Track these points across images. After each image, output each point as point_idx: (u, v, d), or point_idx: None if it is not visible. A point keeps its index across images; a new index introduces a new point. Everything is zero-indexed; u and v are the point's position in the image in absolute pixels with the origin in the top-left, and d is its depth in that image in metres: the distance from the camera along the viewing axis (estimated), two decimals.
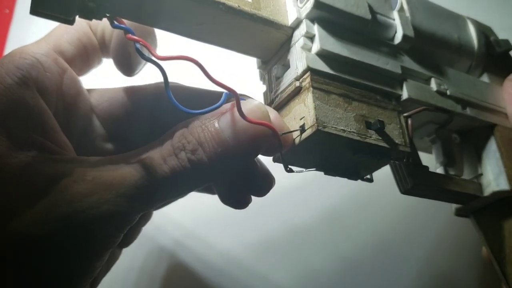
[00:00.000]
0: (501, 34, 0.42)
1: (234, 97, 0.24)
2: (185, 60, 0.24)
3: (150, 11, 0.26)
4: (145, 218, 0.35)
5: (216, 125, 0.25)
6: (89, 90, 0.31)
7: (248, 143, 0.25)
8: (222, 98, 0.25)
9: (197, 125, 0.25)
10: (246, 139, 0.24)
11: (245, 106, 0.25)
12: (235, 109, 0.24)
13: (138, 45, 0.24)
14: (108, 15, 0.24)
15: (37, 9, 0.23)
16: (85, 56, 0.30)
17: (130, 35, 0.24)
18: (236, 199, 0.31)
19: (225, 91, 0.25)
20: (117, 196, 0.23)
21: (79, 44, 0.29)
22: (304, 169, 0.29)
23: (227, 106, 0.25)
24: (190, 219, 0.46)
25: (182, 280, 0.44)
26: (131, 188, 0.23)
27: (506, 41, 0.41)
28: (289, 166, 0.28)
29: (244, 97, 0.28)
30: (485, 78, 0.38)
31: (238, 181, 0.30)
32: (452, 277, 0.47)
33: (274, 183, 0.30)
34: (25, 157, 0.23)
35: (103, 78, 0.35)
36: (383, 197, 0.46)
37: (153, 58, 0.23)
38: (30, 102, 0.25)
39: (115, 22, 0.24)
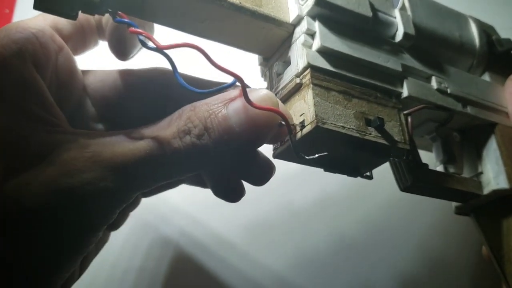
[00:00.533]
0: (503, 33, 0.42)
1: (240, 83, 0.24)
2: (188, 47, 0.24)
3: (152, 7, 0.26)
4: (134, 203, 0.35)
5: (224, 111, 0.24)
6: (83, 71, 0.32)
7: (254, 131, 0.25)
8: (232, 81, 0.25)
9: (204, 110, 0.25)
10: (253, 127, 0.24)
11: (255, 93, 0.25)
12: (242, 96, 0.24)
13: (141, 37, 0.24)
14: (110, 10, 0.24)
15: (40, 4, 0.23)
16: (81, 36, 0.30)
17: (132, 28, 0.24)
18: (230, 191, 0.31)
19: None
20: (115, 173, 0.23)
21: (76, 23, 0.29)
22: (315, 155, 0.28)
23: (235, 92, 0.25)
24: (194, 207, 0.46)
25: (185, 268, 0.45)
26: (130, 166, 0.23)
27: (508, 40, 0.41)
28: (300, 153, 0.27)
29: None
30: (486, 77, 0.38)
31: (233, 172, 0.30)
32: (452, 277, 0.48)
33: (275, 171, 0.30)
34: (24, 126, 0.24)
35: (100, 61, 0.35)
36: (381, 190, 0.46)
37: (152, 46, 0.24)
38: (26, 74, 0.25)
39: (117, 17, 0.24)
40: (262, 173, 0.30)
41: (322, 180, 0.49)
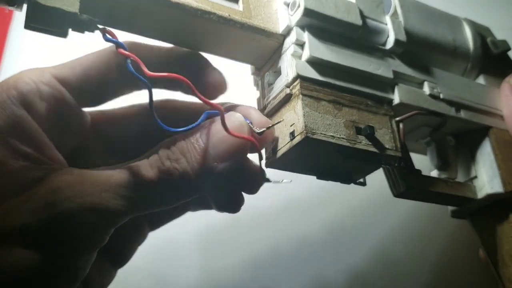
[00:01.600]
0: (501, 34, 0.42)
1: (219, 114, 0.25)
2: (175, 79, 0.24)
3: (143, 22, 0.27)
4: (140, 235, 0.36)
5: (197, 136, 0.26)
6: (102, 111, 0.33)
7: (228, 151, 0.26)
8: (202, 117, 0.26)
9: (180, 138, 0.26)
10: (226, 148, 0.26)
11: (229, 121, 0.26)
12: (215, 124, 0.26)
13: (128, 60, 0.24)
14: (100, 27, 0.25)
15: (30, 24, 0.23)
16: (93, 87, 0.31)
17: (121, 50, 0.24)
18: (231, 203, 0.32)
19: (208, 109, 0.26)
20: (101, 191, 0.24)
21: (83, 75, 0.30)
22: (279, 181, 0.30)
23: (208, 122, 0.27)
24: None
25: None
26: (116, 186, 0.24)
27: (504, 42, 0.41)
28: (267, 177, 0.30)
29: (230, 107, 0.29)
30: (481, 79, 0.38)
31: (229, 185, 0.31)
32: (451, 278, 0.48)
33: (264, 180, 0.30)
34: (18, 164, 0.25)
35: None
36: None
37: (142, 75, 0.24)
38: (24, 121, 0.26)
39: (107, 35, 0.25)
40: (256, 182, 0.30)
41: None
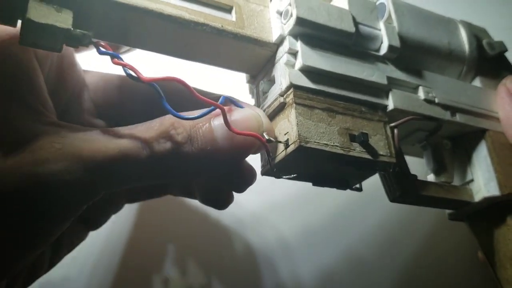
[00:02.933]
0: (499, 34, 0.42)
1: (222, 112, 0.25)
2: (171, 81, 0.25)
3: (136, 35, 0.27)
4: (116, 206, 0.36)
5: (210, 124, 0.25)
6: (87, 71, 0.32)
7: (237, 147, 0.25)
8: (220, 100, 0.26)
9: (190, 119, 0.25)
10: (236, 143, 0.25)
11: (240, 114, 0.26)
12: (232, 113, 0.26)
13: (126, 68, 0.25)
14: (94, 41, 0.25)
15: (26, 41, 0.24)
16: None
17: (116, 60, 0.25)
18: (218, 199, 0.32)
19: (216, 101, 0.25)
20: (83, 169, 0.23)
21: None
22: (293, 175, 0.30)
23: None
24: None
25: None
26: (101, 164, 0.23)
27: (500, 43, 0.41)
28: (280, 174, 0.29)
29: (240, 102, 0.29)
30: (477, 82, 0.38)
31: (220, 181, 0.31)
32: (450, 280, 0.48)
33: (256, 178, 0.30)
34: (13, 110, 0.24)
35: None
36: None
37: (134, 76, 0.24)
38: (25, 62, 0.26)
39: (101, 49, 0.25)
40: (245, 181, 0.30)
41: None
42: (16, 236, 0.24)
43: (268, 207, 0.49)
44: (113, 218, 0.37)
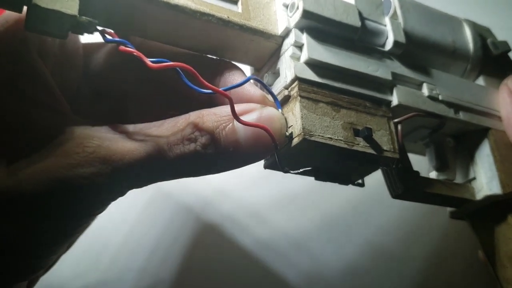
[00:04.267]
0: (502, 34, 0.42)
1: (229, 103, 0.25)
2: (179, 67, 0.24)
3: (141, 24, 0.27)
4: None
5: (233, 125, 0.25)
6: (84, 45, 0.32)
7: (259, 146, 0.26)
8: (246, 78, 0.26)
9: (213, 120, 0.25)
10: (258, 143, 0.25)
11: (267, 112, 0.26)
12: (253, 113, 0.26)
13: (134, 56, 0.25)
14: (100, 29, 0.25)
15: (31, 26, 0.23)
16: None
17: (122, 47, 0.25)
18: None
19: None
20: (112, 171, 0.24)
21: None
22: (300, 170, 0.29)
23: (245, 106, 0.26)
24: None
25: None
26: (129, 166, 0.24)
27: (504, 43, 0.41)
28: (285, 168, 0.28)
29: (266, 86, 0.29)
30: (481, 80, 0.38)
31: None
32: (451, 279, 0.48)
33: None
34: (31, 111, 0.25)
35: None
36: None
37: (147, 62, 0.24)
38: (31, 61, 0.26)
39: (108, 36, 0.25)
40: None
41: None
42: (47, 237, 0.24)
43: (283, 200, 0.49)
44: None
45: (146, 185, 0.26)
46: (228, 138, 0.25)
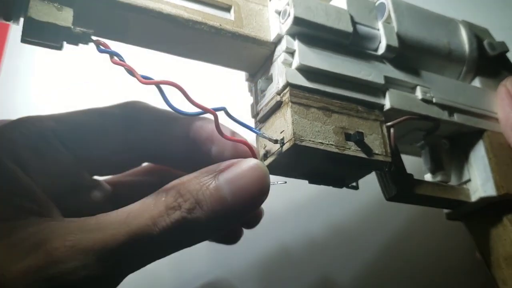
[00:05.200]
0: (500, 34, 0.42)
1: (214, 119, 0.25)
2: (167, 84, 0.25)
3: (135, 33, 0.28)
4: None
5: (215, 182, 0.25)
6: (50, 116, 0.31)
7: (247, 200, 0.25)
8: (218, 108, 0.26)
9: (194, 183, 0.25)
10: (245, 196, 0.25)
11: (244, 164, 0.26)
12: (234, 167, 0.25)
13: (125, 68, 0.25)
14: (94, 39, 0.26)
15: (26, 38, 0.24)
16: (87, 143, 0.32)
17: (115, 60, 0.25)
18: (229, 237, 0.32)
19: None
20: (97, 260, 0.23)
21: (77, 129, 0.31)
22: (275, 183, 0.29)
23: (225, 164, 0.26)
24: None
25: None
26: (112, 252, 0.23)
27: (502, 44, 0.41)
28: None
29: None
30: (477, 82, 0.38)
31: None
32: (449, 280, 0.48)
33: (263, 214, 0.30)
34: (16, 217, 0.25)
35: None
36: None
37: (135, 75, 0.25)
38: (19, 175, 0.26)
39: (101, 47, 0.26)
40: (255, 219, 0.30)
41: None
42: None
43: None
44: None
45: (141, 267, 0.25)
46: (212, 197, 0.24)
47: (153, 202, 0.24)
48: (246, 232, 0.32)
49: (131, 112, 0.31)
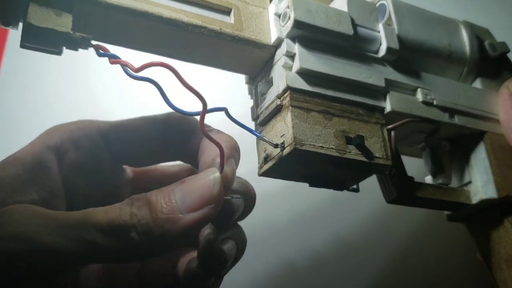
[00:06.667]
0: (501, 34, 0.41)
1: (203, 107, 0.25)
2: (159, 66, 0.24)
3: (135, 37, 0.28)
4: None
5: (171, 187, 0.25)
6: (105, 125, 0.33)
7: (196, 203, 0.25)
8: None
9: (154, 193, 0.25)
10: (191, 202, 0.25)
11: (201, 174, 0.26)
12: (192, 177, 0.26)
13: (124, 67, 0.25)
14: (93, 43, 0.26)
15: (25, 44, 0.24)
16: (132, 150, 0.34)
17: (113, 60, 0.25)
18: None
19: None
20: (47, 231, 0.23)
21: (126, 138, 0.33)
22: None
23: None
24: None
25: None
26: (63, 227, 0.23)
27: (503, 44, 0.41)
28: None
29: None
30: (478, 83, 0.38)
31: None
32: (450, 281, 0.48)
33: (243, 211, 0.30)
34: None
35: None
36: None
37: (133, 73, 0.24)
38: (47, 166, 0.29)
39: (100, 51, 0.26)
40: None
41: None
42: None
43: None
44: None
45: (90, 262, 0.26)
46: (164, 198, 0.25)
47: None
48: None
49: (169, 118, 0.33)
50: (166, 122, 0.33)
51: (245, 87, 0.34)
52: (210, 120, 0.28)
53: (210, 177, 0.25)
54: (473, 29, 0.39)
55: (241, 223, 0.31)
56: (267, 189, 0.48)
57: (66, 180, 0.30)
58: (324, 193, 0.32)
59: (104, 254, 0.24)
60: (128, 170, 0.35)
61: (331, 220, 0.50)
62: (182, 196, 0.25)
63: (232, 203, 0.29)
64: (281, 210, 0.50)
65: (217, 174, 0.26)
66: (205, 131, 0.25)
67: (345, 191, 0.33)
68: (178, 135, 0.33)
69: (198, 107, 0.25)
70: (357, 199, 0.39)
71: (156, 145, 0.33)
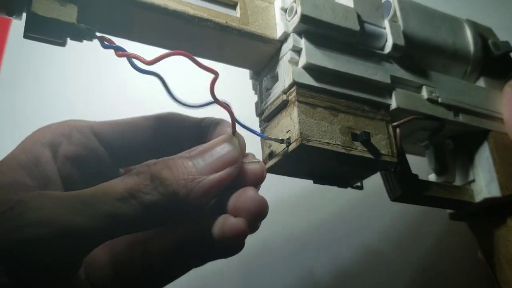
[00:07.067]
0: (502, 34, 0.41)
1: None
2: (174, 55, 0.24)
3: (140, 30, 0.27)
4: None
5: (187, 153, 0.25)
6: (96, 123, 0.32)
7: (217, 166, 0.25)
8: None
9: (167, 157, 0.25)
10: (216, 163, 0.25)
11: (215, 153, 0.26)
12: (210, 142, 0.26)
13: (131, 60, 0.25)
14: (98, 35, 0.25)
15: (29, 34, 0.24)
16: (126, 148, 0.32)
17: (120, 52, 0.25)
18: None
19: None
20: (73, 212, 0.22)
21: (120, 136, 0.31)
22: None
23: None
24: None
25: None
26: (88, 204, 0.23)
27: (506, 43, 0.41)
28: None
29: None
30: (481, 82, 0.38)
31: None
32: (450, 280, 0.48)
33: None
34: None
35: None
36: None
37: (144, 67, 0.24)
38: (44, 159, 0.28)
39: (105, 43, 0.25)
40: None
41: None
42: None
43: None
44: None
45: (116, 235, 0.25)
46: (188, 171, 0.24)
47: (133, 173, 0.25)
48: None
49: (162, 117, 0.32)
50: (160, 119, 0.32)
51: (248, 84, 0.34)
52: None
53: (226, 139, 0.26)
54: (476, 27, 0.39)
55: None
56: (287, 194, 0.48)
57: (62, 171, 0.29)
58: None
59: (128, 223, 0.23)
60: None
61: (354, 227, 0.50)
62: (202, 159, 0.25)
63: None
64: (299, 217, 0.49)
65: (233, 136, 0.26)
66: (214, 96, 0.25)
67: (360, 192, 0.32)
68: (174, 134, 0.32)
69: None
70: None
71: (149, 142, 0.32)
